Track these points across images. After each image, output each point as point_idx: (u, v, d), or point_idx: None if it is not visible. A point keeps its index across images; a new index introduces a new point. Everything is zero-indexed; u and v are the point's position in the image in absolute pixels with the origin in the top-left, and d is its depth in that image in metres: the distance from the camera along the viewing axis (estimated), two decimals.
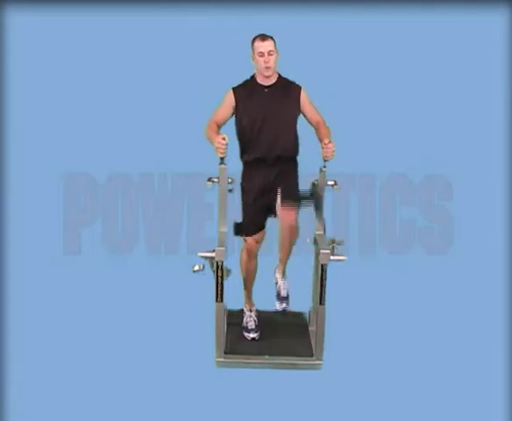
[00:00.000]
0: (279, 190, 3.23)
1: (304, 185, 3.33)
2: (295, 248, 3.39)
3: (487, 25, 4.37)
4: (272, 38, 3.14)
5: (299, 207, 3.25)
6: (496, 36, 4.36)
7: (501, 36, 4.34)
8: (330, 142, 3.08)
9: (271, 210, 3.31)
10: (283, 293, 3.47)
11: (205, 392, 3.05)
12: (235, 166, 3.29)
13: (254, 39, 3.15)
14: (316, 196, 3.30)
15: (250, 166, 3.30)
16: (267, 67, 3.14)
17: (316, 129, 3.23)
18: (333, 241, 3.18)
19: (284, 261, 3.46)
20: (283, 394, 3.06)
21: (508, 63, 4.35)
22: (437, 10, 4.42)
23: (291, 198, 3.22)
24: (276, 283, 3.52)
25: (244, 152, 3.29)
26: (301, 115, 3.28)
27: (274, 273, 3.54)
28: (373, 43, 4.53)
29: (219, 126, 3.23)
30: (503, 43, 4.35)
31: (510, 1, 4.34)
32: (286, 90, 3.24)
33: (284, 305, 3.45)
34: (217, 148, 3.05)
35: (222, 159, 3.11)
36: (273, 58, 3.14)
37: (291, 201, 3.21)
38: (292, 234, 3.26)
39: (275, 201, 3.26)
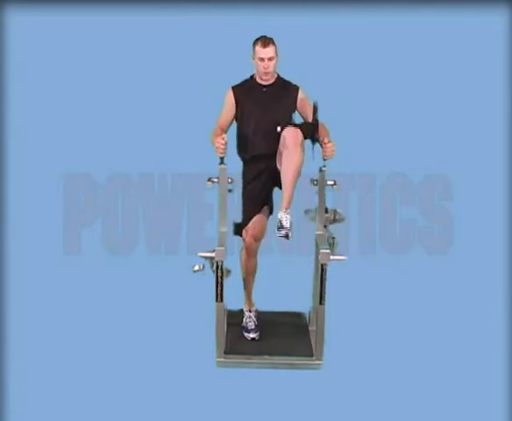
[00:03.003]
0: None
1: (304, 185, 3.33)
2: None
3: (487, 25, 4.37)
4: (273, 43, 3.14)
5: (303, 133, 3.08)
6: (496, 36, 4.37)
7: (501, 36, 4.34)
8: (329, 141, 3.09)
9: (272, 185, 3.27)
10: (285, 224, 3.07)
11: (205, 392, 3.04)
12: (235, 166, 3.30)
13: (256, 42, 3.15)
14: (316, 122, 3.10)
15: (247, 163, 3.32)
16: (266, 73, 3.18)
17: None
18: (333, 237, 3.16)
19: (287, 197, 3.09)
20: (283, 394, 3.06)
21: (508, 63, 4.35)
22: (437, 11, 4.42)
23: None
24: (280, 221, 3.09)
25: (240, 149, 3.31)
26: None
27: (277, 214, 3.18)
28: (374, 43, 4.53)
29: (224, 131, 3.23)
30: (503, 43, 4.35)
31: (510, 1, 4.34)
32: (284, 90, 3.26)
33: (283, 232, 3.05)
34: (217, 148, 3.07)
35: (222, 159, 3.12)
36: (272, 63, 3.17)
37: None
38: (296, 154, 3.02)
39: (276, 179, 3.15)
